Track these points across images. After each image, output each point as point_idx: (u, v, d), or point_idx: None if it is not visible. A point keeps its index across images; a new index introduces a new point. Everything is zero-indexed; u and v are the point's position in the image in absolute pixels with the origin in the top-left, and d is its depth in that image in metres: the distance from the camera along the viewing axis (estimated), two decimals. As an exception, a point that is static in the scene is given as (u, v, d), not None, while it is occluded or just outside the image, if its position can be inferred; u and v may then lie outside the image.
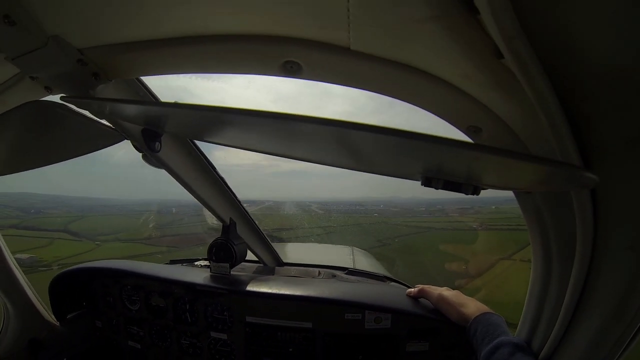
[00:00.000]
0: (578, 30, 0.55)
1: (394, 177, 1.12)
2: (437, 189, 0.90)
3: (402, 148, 0.74)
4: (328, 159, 1.12)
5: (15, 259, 2.03)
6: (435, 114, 0.96)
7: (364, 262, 3.32)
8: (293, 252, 3.18)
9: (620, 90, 0.60)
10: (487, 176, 0.85)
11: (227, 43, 0.87)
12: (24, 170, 1.68)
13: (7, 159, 1.56)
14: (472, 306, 1.52)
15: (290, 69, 0.90)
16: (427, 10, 0.63)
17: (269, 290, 1.89)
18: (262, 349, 2.03)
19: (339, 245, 4.26)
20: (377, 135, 0.62)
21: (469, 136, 0.99)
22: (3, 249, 1.92)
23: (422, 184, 0.92)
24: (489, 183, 0.89)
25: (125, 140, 1.35)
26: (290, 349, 1.98)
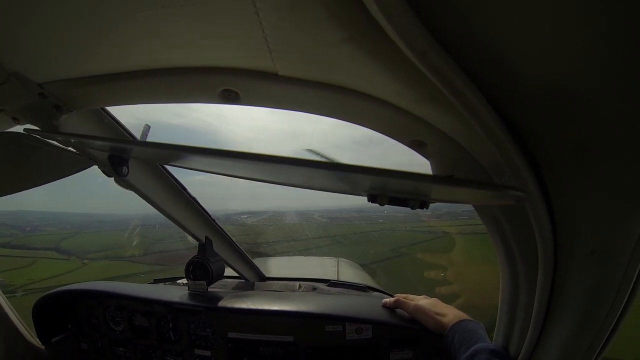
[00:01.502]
0: (498, 39, 0.56)
1: (343, 193, 1.16)
2: (381, 205, 0.94)
3: (350, 178, 0.79)
4: (289, 181, 1.18)
5: None
6: (377, 131, 1.00)
7: (348, 273, 3.38)
8: (276, 266, 3.26)
9: (558, 99, 0.61)
10: (432, 193, 0.89)
11: (173, 75, 0.93)
12: (13, 193, 1.73)
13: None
14: (449, 314, 1.54)
15: (229, 97, 0.95)
16: (340, 33, 0.66)
17: (246, 306, 1.93)
18: None
19: (326, 257, 4.28)
20: (327, 172, 0.66)
21: (414, 149, 1.02)
22: None
23: (368, 201, 0.95)
24: (435, 198, 0.94)
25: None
26: None
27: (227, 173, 1.18)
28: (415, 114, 0.90)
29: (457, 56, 0.57)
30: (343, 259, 4.00)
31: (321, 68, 0.82)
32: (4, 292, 2.03)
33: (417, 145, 1.00)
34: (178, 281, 2.80)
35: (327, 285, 2.70)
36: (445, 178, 0.76)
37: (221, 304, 1.96)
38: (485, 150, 0.89)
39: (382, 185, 0.87)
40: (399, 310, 1.77)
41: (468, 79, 0.60)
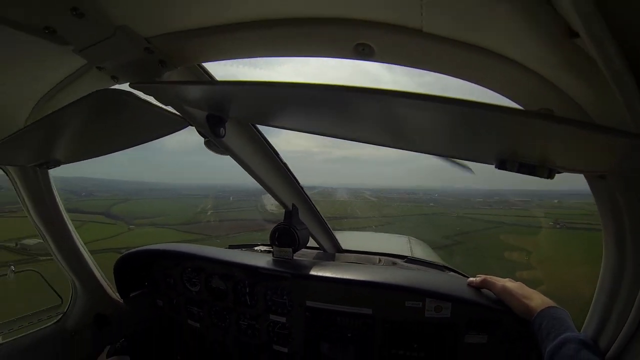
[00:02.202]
0: None
1: (467, 160, 1.13)
2: (511, 171, 0.89)
3: (479, 124, 0.74)
4: (400, 141, 1.14)
5: (22, 244, 2.18)
6: (506, 97, 0.95)
7: (421, 251, 3.33)
8: (350, 239, 3.21)
9: None
10: (563, 157, 0.84)
11: (298, 26, 0.89)
12: (90, 158, 1.83)
13: (75, 147, 1.69)
14: (537, 299, 1.51)
15: (362, 52, 0.90)
16: None
17: (332, 275, 1.95)
18: (321, 333, 2.09)
19: (395, 235, 4.26)
20: (459, 109, 0.62)
21: None
22: (72, 232, 2.11)
23: (496, 167, 0.92)
24: (564, 165, 0.88)
25: (185, 128, 1.39)
26: (349, 335, 2.03)
27: (328, 132, 1.15)
28: (549, 79, 0.85)
29: (612, 23, 0.54)
30: (413, 238, 3.95)
31: (469, 27, 0.78)
32: (41, 253, 2.16)
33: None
34: (255, 248, 2.86)
35: (405, 262, 2.68)
36: (588, 124, 0.71)
37: (307, 271, 1.99)
38: (615, 120, 0.82)
39: (513, 146, 0.83)
40: (482, 291, 1.73)
41: (619, 47, 0.56)
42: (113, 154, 1.73)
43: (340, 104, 0.84)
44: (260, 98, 0.98)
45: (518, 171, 0.87)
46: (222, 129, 1.29)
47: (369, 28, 0.84)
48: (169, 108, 1.22)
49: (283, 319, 2.19)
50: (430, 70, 0.93)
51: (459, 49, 0.83)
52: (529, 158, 0.86)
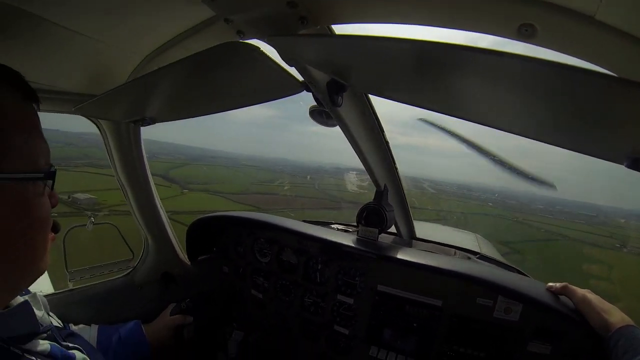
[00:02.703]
0: None
1: (592, 155, 1.02)
2: None
3: (617, 107, 0.69)
4: (518, 125, 1.09)
5: (73, 197, 2.21)
6: None
7: (489, 250, 3.25)
8: (422, 228, 3.15)
9: None
10: None
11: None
12: (186, 117, 1.83)
13: (172, 105, 1.68)
14: (616, 315, 1.42)
15: (525, 33, 0.83)
16: None
17: (415, 260, 1.89)
18: (387, 319, 2.07)
19: (462, 230, 4.16)
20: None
21: None
22: (153, 191, 2.16)
23: (626, 165, 0.86)
24: None
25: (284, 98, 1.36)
26: (415, 324, 2.00)
27: (440, 108, 1.13)
28: None
29: None
30: (479, 236, 3.87)
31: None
32: (91, 210, 2.20)
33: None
34: (331, 226, 2.84)
35: (478, 258, 2.62)
36: None
37: (391, 254, 1.94)
38: None
39: None
40: (560, 298, 1.65)
41: None
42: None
43: (467, 72, 0.81)
44: (384, 64, 0.94)
45: None
46: (340, 97, 1.26)
47: (537, 7, 0.77)
48: (292, 70, 1.16)
49: (350, 300, 2.17)
50: (592, 62, 0.84)
51: (626, 43, 0.75)
52: None
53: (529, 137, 1.07)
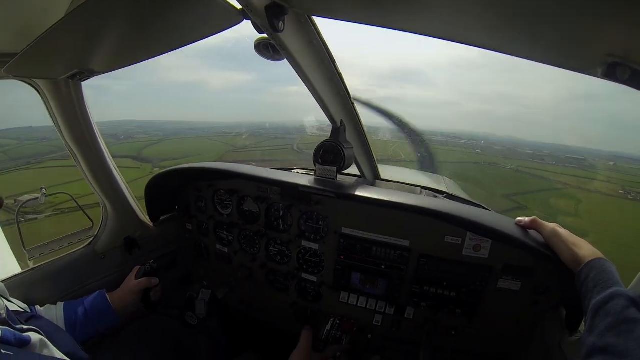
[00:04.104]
0: None
1: (563, 66, 0.97)
2: (619, 81, 0.78)
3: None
4: (475, 35, 1.04)
5: (18, 200, 2.17)
6: None
7: (457, 191, 3.27)
8: (389, 171, 3.18)
9: None
10: None
11: None
12: (131, 64, 1.71)
13: (112, 52, 1.58)
14: (586, 248, 1.44)
15: None
16: None
17: (377, 197, 1.84)
18: (354, 262, 2.08)
19: (429, 173, 4.19)
20: None
21: None
22: (105, 153, 2.10)
23: (600, 75, 0.82)
24: None
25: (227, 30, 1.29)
26: (383, 266, 2.02)
27: (388, 24, 1.09)
28: None
29: None
30: (447, 178, 3.91)
31: None
32: (22, 211, 2.14)
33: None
34: (293, 170, 2.82)
35: (445, 197, 2.66)
36: None
37: (351, 192, 1.90)
38: None
39: (630, 42, 0.71)
40: (529, 233, 1.65)
41: None
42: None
43: None
44: None
45: (627, 81, 0.76)
46: (281, 22, 1.21)
47: None
48: None
49: (315, 246, 2.18)
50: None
51: None
52: None
53: (493, 50, 1.03)
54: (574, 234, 1.50)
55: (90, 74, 1.69)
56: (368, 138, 2.53)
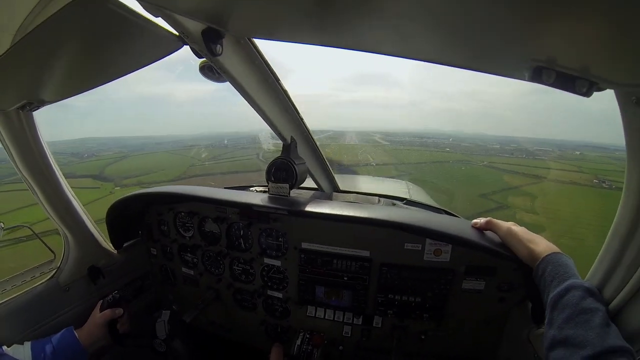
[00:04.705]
0: None
1: (494, 73, 1.02)
2: (546, 83, 0.82)
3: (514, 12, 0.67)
4: (410, 49, 1.07)
5: None
6: None
7: (419, 195, 3.38)
8: (349, 181, 3.27)
9: None
10: (610, 62, 0.77)
11: None
12: (79, 93, 1.70)
13: (60, 81, 1.56)
14: (542, 244, 1.49)
15: None
16: None
17: (330, 212, 1.88)
18: (316, 276, 2.12)
19: (394, 179, 4.29)
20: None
21: None
22: (62, 182, 2.04)
23: (528, 79, 0.85)
24: (609, 77, 0.80)
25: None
26: (345, 278, 2.05)
27: (329, 42, 1.09)
28: None
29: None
30: (410, 182, 4.04)
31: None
32: None
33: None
34: (250, 188, 2.86)
35: (404, 204, 2.72)
36: None
37: (304, 208, 1.93)
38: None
39: (554, 48, 0.75)
40: (486, 234, 1.70)
41: None
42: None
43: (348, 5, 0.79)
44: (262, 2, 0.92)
45: (553, 83, 0.80)
46: (218, 45, 1.24)
47: None
48: (159, 21, 1.09)
49: (278, 262, 2.21)
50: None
51: None
52: (570, 65, 0.78)
53: (430, 61, 1.05)
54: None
55: (40, 103, 1.67)
56: (322, 151, 2.56)
